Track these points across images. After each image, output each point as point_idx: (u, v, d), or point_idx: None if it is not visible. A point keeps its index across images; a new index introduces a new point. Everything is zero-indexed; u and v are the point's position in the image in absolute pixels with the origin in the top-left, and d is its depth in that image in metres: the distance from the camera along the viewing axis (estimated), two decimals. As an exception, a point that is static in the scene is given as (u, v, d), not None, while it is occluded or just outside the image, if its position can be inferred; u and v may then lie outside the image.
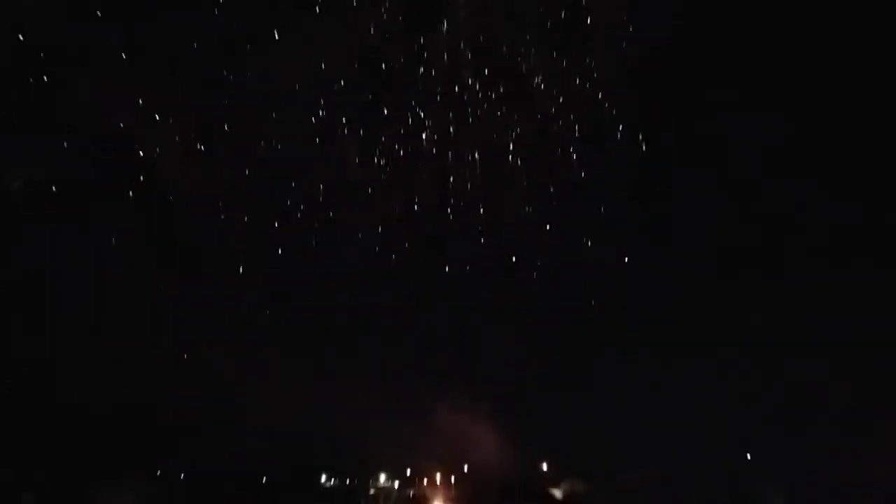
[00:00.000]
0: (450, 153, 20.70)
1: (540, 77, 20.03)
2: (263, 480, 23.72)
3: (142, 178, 20.91)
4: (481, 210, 25.59)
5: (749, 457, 25.89)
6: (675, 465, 24.26)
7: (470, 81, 19.79)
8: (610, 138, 21.78)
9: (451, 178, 21.75)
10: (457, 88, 19.70)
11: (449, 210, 24.93)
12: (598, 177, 23.09)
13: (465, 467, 32.47)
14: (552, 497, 25.14)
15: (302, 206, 24.38)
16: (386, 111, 21.08)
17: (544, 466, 30.61)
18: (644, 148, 21.71)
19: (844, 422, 22.64)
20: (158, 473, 21.54)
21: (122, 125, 19.77)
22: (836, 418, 23.02)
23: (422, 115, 20.69)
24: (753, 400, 27.08)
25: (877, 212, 24.84)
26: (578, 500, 22.82)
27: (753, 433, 25.98)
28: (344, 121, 22.38)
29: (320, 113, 20.57)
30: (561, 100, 20.34)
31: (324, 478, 36.00)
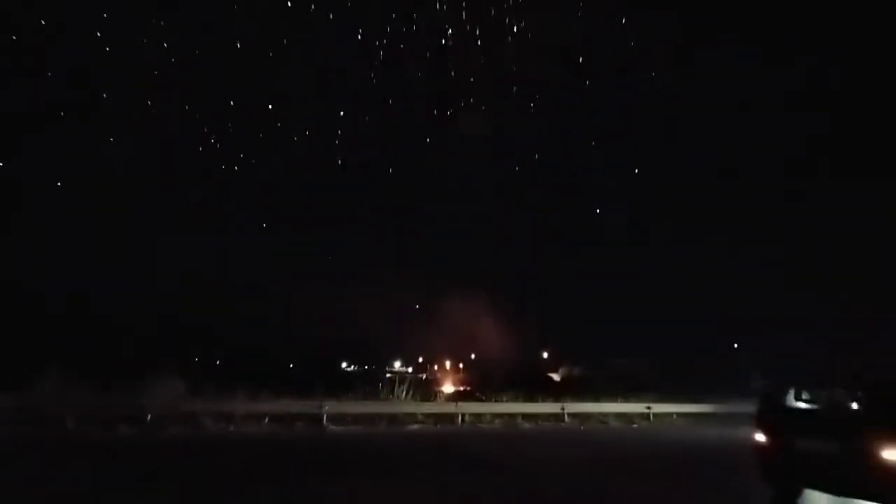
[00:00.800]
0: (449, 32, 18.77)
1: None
2: (291, 366, 26.28)
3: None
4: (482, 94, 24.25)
5: (736, 346, 27.74)
6: (665, 354, 26.19)
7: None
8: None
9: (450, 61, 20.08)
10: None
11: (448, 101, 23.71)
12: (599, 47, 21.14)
13: (472, 355, 35.47)
14: (551, 380, 27.73)
15: (302, 94, 23.45)
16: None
17: (545, 354, 33.34)
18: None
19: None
20: (197, 360, 23.95)
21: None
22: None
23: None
24: (740, 293, 28.39)
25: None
26: (575, 382, 25.17)
27: (739, 325, 27.54)
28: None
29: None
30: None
31: (344, 364, 39.68)
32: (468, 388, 21.58)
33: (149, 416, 9.42)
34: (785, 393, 5.53)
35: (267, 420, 10.67)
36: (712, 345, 26.75)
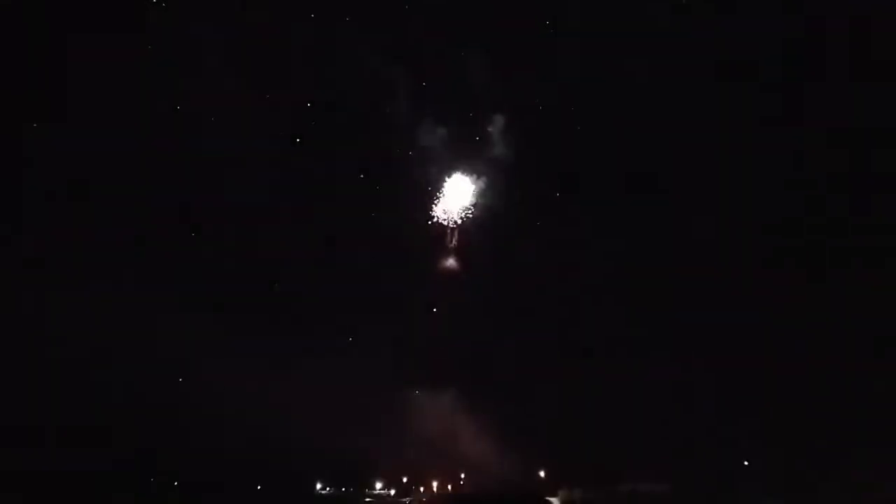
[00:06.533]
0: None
1: None
2: (259, 488, 23.60)
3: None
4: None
5: (746, 463, 25.88)
6: (673, 473, 24.21)
7: None
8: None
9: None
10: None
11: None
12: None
13: (462, 475, 32.29)
14: (550, 504, 25.06)
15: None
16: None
17: (542, 474, 30.46)
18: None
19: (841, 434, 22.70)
20: (152, 481, 21.41)
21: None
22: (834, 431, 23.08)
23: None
24: (751, 409, 27.16)
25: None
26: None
27: (750, 441, 25.96)
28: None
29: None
30: None
31: (319, 485, 35.66)
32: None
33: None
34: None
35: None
36: (721, 462, 24.94)
